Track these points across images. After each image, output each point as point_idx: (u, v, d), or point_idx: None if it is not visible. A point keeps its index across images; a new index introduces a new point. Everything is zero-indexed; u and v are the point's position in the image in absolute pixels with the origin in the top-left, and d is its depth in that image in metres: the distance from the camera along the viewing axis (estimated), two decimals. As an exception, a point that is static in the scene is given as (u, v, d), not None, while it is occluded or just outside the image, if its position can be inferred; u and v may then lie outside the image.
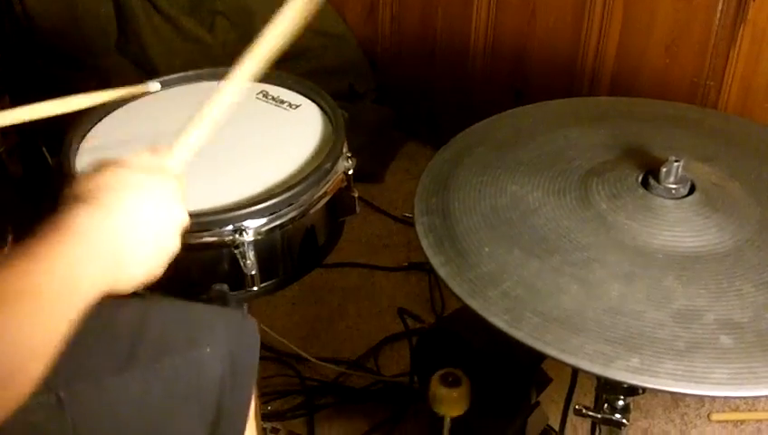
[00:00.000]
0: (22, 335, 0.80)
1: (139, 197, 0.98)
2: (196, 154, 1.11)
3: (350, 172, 1.51)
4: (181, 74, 1.69)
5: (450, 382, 1.68)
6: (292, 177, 1.42)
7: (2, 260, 0.83)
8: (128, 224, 0.95)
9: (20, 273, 0.82)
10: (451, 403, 1.69)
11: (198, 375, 1.23)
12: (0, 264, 0.82)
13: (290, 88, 1.67)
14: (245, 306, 1.56)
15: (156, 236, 1.00)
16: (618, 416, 1.37)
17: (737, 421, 2.14)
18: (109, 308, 1.24)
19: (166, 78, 1.67)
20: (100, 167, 1.00)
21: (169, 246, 1.03)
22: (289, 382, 2.23)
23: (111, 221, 0.93)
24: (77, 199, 0.94)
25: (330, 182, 1.45)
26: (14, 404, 0.80)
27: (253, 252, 1.35)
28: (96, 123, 1.56)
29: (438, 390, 1.68)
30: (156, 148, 1.08)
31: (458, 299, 1.14)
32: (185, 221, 1.04)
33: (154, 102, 1.64)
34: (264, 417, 2.07)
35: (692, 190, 1.29)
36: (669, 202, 1.27)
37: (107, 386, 1.16)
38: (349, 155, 1.50)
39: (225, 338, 1.25)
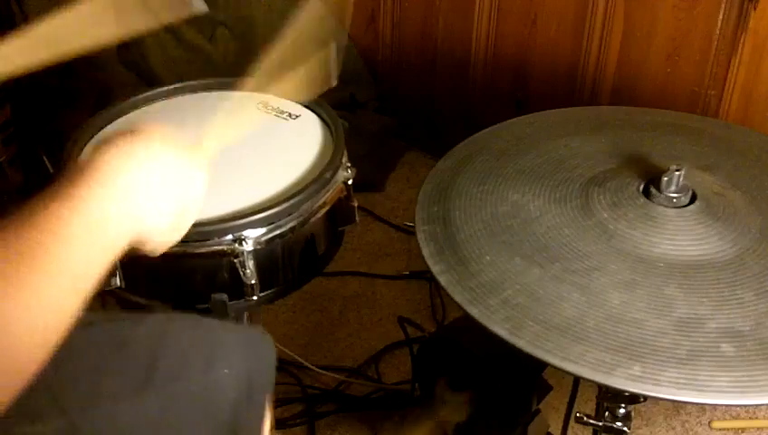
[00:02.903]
0: (49, 288, 0.79)
1: (169, 151, 0.99)
2: None
3: (350, 182, 1.51)
4: (183, 84, 1.69)
5: (456, 387, 1.68)
6: (292, 187, 1.42)
7: (25, 208, 0.82)
8: (155, 174, 0.96)
9: (48, 217, 0.82)
10: (456, 408, 1.69)
11: (215, 397, 1.21)
12: (24, 210, 0.81)
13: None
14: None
15: (182, 192, 1.01)
16: (619, 424, 1.37)
17: (738, 429, 2.14)
18: (125, 326, 1.24)
19: (167, 88, 1.67)
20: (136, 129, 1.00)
21: (192, 209, 1.04)
22: (290, 390, 2.23)
23: (139, 167, 0.94)
24: (108, 143, 0.95)
25: (329, 192, 1.45)
26: (17, 377, 0.77)
27: (252, 261, 1.35)
28: (98, 132, 1.57)
29: (445, 393, 1.68)
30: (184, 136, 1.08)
31: (459, 307, 1.14)
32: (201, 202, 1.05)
33: (156, 112, 1.64)
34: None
35: (693, 199, 1.29)
36: (671, 211, 1.27)
37: (122, 410, 1.14)
38: (348, 165, 1.51)
39: (242, 359, 1.24)
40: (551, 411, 1.93)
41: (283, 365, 2.27)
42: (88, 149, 1.47)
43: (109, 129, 1.58)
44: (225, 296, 1.37)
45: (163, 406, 1.17)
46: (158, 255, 1.02)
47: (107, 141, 0.96)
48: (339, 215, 1.51)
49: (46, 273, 0.79)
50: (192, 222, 1.05)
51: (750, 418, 2.16)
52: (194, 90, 1.70)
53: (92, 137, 1.55)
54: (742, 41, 2.27)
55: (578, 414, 1.40)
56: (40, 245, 0.79)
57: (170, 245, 1.03)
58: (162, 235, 1.00)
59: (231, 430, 1.24)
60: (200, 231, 1.32)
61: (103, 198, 0.88)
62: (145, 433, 1.16)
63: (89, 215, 0.85)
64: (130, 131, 0.98)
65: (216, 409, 1.22)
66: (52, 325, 0.79)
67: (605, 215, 1.27)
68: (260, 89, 1.24)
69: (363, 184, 1.54)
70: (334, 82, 1.29)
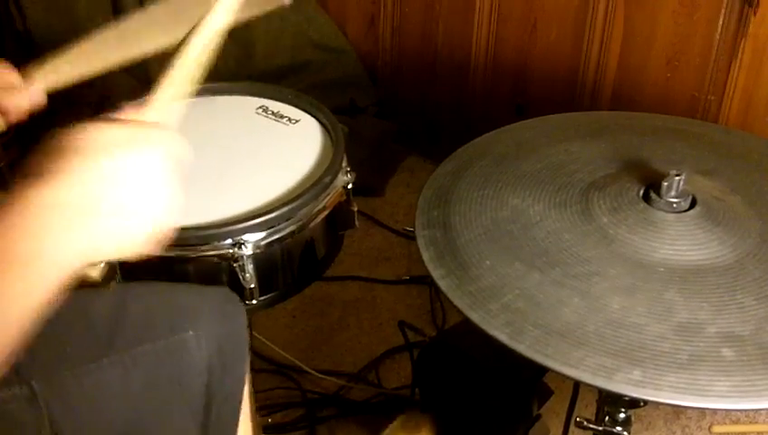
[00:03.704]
0: None
1: (93, 157, 0.84)
2: (197, 167, 1.06)
3: (350, 187, 1.51)
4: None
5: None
6: (292, 191, 1.43)
7: None
8: (77, 189, 0.81)
9: None
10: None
11: (182, 361, 1.20)
12: None
13: (290, 103, 1.67)
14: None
15: (123, 196, 0.84)
16: (619, 428, 1.37)
17: (738, 434, 2.14)
18: (85, 296, 1.17)
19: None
20: (56, 133, 0.87)
21: (149, 205, 0.86)
22: (290, 395, 2.23)
23: (57, 191, 0.80)
24: (28, 176, 0.82)
25: (329, 196, 1.45)
26: None
27: (252, 265, 1.35)
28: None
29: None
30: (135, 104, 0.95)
31: (459, 312, 1.14)
32: (167, 177, 0.88)
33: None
34: (264, 429, 2.06)
35: (693, 204, 1.29)
36: (671, 216, 1.27)
37: (84, 374, 1.14)
38: (348, 169, 1.51)
39: (208, 320, 1.23)
40: (551, 416, 1.92)
41: (283, 370, 2.27)
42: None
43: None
44: (224, 300, 1.37)
45: (127, 369, 1.16)
46: (155, 247, 0.92)
47: (25, 172, 0.83)
48: (338, 219, 1.51)
49: None
50: (173, 207, 0.88)
51: (750, 422, 2.16)
52: (193, 94, 1.70)
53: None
54: (742, 46, 2.27)
55: (578, 419, 1.40)
56: None
57: (160, 235, 0.87)
58: (135, 237, 0.86)
59: (206, 396, 1.22)
60: (200, 235, 1.32)
61: (19, 235, 0.77)
62: (110, 397, 1.16)
63: (8, 254, 0.76)
64: (53, 143, 0.85)
65: (185, 373, 1.21)
66: None
67: (605, 220, 1.27)
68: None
69: (363, 189, 1.55)
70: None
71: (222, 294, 1.33)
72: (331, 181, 1.45)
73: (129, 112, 0.91)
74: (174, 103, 1.00)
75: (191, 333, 1.21)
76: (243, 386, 1.32)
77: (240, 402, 1.31)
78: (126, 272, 1.35)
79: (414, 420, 1.69)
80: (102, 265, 0.98)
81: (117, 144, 0.85)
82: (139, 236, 0.86)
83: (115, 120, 0.89)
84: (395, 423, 1.70)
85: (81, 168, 0.82)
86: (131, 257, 0.87)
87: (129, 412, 1.17)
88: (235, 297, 1.32)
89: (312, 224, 1.43)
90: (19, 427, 1.09)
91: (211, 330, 1.23)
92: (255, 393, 1.70)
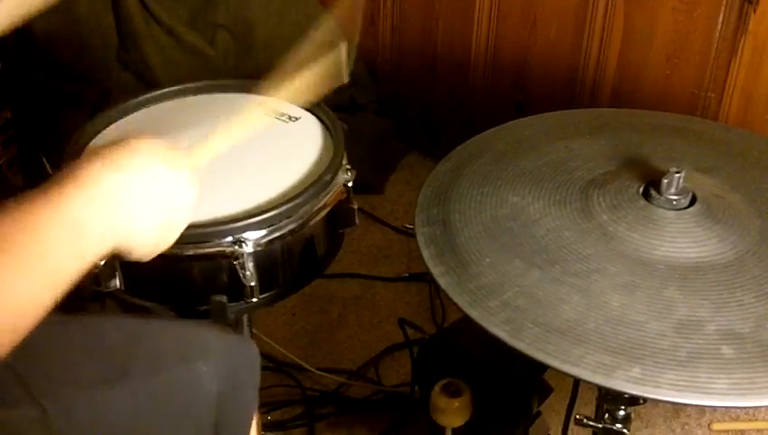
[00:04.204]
0: (20, 279, 0.81)
1: (156, 164, 1.00)
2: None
3: (350, 184, 1.51)
4: (183, 86, 1.69)
5: (452, 392, 1.68)
6: (292, 189, 1.42)
7: (9, 203, 0.84)
8: (140, 185, 0.97)
9: (26, 214, 0.84)
10: (453, 414, 1.68)
11: (192, 393, 1.22)
12: (7, 206, 0.83)
13: (290, 100, 1.67)
14: (246, 325, 1.56)
15: (167, 205, 1.02)
16: (619, 426, 1.37)
17: (738, 431, 2.14)
18: (101, 323, 1.25)
19: (167, 90, 1.67)
20: (130, 138, 1.01)
21: (179, 221, 1.05)
22: (289, 392, 2.23)
23: (123, 178, 0.95)
24: (95, 154, 0.96)
25: (329, 194, 1.45)
26: None
27: (252, 263, 1.35)
28: (97, 133, 1.56)
29: (440, 400, 1.67)
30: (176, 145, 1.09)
31: (459, 309, 1.14)
32: (191, 210, 1.07)
33: (156, 114, 1.64)
34: (264, 427, 2.06)
35: (693, 202, 1.29)
36: (670, 213, 1.27)
37: (96, 399, 1.15)
38: (348, 167, 1.51)
39: (221, 356, 1.24)
40: (551, 413, 1.93)
41: (283, 367, 2.27)
42: (87, 152, 1.48)
43: (106, 132, 1.58)
44: (224, 298, 1.37)
45: (139, 399, 1.17)
46: (147, 260, 1.03)
47: (95, 152, 0.97)
48: (339, 217, 1.51)
49: (17, 266, 0.81)
50: (178, 235, 1.06)
51: (750, 420, 2.17)
52: (194, 92, 1.70)
53: (92, 139, 1.55)
54: (742, 43, 2.27)
55: (578, 416, 1.41)
56: (14, 240, 0.82)
57: (156, 253, 1.04)
58: (146, 246, 1.01)
59: (215, 425, 1.23)
60: (200, 233, 1.32)
61: (82, 203, 0.89)
62: (120, 423, 1.16)
63: (66, 217, 0.87)
64: (119, 142, 0.99)
65: (195, 406, 1.22)
66: (22, 314, 0.82)
67: (605, 217, 1.27)
68: (275, 93, 1.25)
69: (363, 186, 1.54)
70: (346, 80, 1.29)
71: (238, 335, 1.40)
72: (332, 179, 1.45)
73: (180, 150, 1.07)
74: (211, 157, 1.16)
75: (203, 366, 1.22)
76: (251, 420, 1.33)
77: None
78: (126, 271, 1.35)
79: (455, 384, 1.69)
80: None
81: (171, 165, 1.02)
82: (155, 239, 1.02)
83: (164, 156, 1.03)
84: (435, 389, 1.70)
85: (140, 169, 0.98)
86: (142, 258, 1.02)
87: None
88: (251, 342, 1.34)
89: (313, 222, 1.43)
90: None
91: (223, 365, 1.24)
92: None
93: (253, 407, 1.33)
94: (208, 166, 1.14)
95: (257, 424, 1.43)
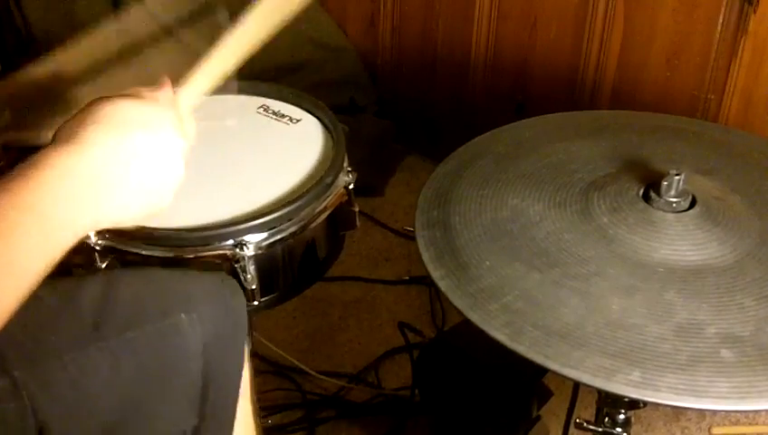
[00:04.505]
0: None
1: (129, 128, 0.92)
2: (197, 168, 1.09)
3: (351, 187, 1.50)
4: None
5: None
6: (293, 191, 1.42)
7: None
8: (109, 161, 0.90)
9: None
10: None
11: (175, 345, 1.18)
12: None
13: (290, 102, 1.67)
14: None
15: (146, 174, 0.94)
16: (618, 429, 1.37)
17: (738, 435, 2.14)
18: (71, 283, 1.18)
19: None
20: (91, 102, 0.94)
21: (170, 180, 0.97)
22: (289, 396, 2.23)
23: (90, 160, 0.89)
24: (59, 139, 0.90)
25: (330, 197, 1.45)
26: None
27: (253, 266, 1.35)
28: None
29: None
30: (159, 86, 1.02)
31: (459, 312, 1.14)
32: (182, 160, 0.98)
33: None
34: (264, 431, 2.06)
35: (693, 204, 1.29)
36: (670, 216, 1.27)
37: (69, 363, 1.10)
38: (349, 169, 1.50)
39: (202, 303, 1.21)
40: (551, 417, 1.92)
41: (283, 371, 2.27)
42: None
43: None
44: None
45: (116, 356, 1.13)
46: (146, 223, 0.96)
47: (63, 128, 0.91)
48: (340, 220, 1.51)
49: None
50: (172, 194, 0.98)
51: (749, 424, 2.16)
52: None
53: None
54: (742, 44, 2.27)
55: (578, 420, 1.40)
56: None
57: (154, 216, 0.97)
58: (135, 217, 0.94)
59: (202, 381, 1.20)
60: (201, 236, 1.32)
61: (44, 191, 0.84)
62: (98, 385, 1.13)
63: (26, 205, 0.82)
64: (84, 110, 0.93)
65: (180, 356, 1.18)
66: None
67: (605, 219, 1.27)
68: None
69: (363, 188, 1.54)
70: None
71: (217, 276, 1.30)
72: (333, 181, 1.45)
73: (160, 92, 1.00)
74: (202, 93, 1.07)
75: (183, 316, 1.18)
76: (242, 369, 1.29)
77: (239, 387, 1.29)
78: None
79: None
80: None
81: (144, 123, 0.93)
82: (144, 209, 0.94)
83: (145, 97, 0.96)
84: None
85: (106, 140, 0.90)
86: (130, 226, 0.96)
87: (121, 400, 1.15)
88: (232, 280, 1.31)
89: (314, 224, 1.43)
90: (1, 419, 1.06)
91: (206, 312, 1.20)
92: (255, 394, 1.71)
93: (243, 352, 1.29)
94: (209, 168, 1.14)
95: (250, 374, 1.40)
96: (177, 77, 1.07)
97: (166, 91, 1.03)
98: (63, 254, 0.85)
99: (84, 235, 0.89)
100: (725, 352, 1.05)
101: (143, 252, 1.32)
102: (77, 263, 1.30)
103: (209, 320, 1.20)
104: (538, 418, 1.81)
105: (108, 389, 1.14)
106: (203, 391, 1.22)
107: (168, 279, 1.26)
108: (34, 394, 1.07)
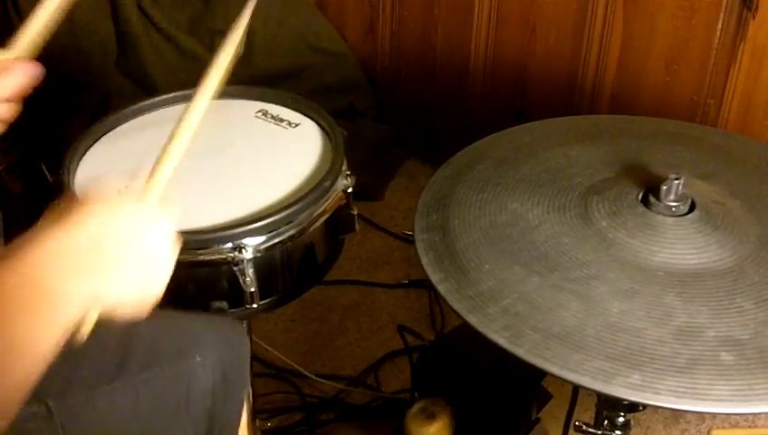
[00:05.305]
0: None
1: (121, 224, 0.90)
2: (196, 172, 1.09)
3: (350, 190, 1.51)
4: (181, 93, 1.68)
5: (428, 416, 1.69)
6: (292, 195, 1.42)
7: None
8: (109, 250, 0.88)
9: None
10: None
11: (189, 385, 1.23)
12: None
13: (289, 106, 1.67)
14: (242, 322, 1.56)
15: (142, 265, 0.92)
16: (618, 432, 1.37)
17: (738, 439, 2.14)
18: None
19: (166, 97, 1.67)
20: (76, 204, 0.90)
21: (159, 268, 0.95)
22: (289, 399, 2.23)
23: (87, 244, 0.86)
24: (52, 216, 0.87)
25: (329, 200, 1.45)
26: None
27: (252, 269, 1.35)
28: (96, 140, 1.57)
29: (413, 424, 1.69)
30: (124, 188, 0.97)
31: (458, 316, 1.14)
32: (173, 242, 0.96)
33: (154, 120, 1.64)
34: (264, 433, 2.06)
35: (692, 208, 1.29)
36: (669, 220, 1.27)
37: (97, 396, 1.16)
38: (348, 173, 1.51)
39: (214, 347, 1.26)
40: (550, 420, 1.92)
41: (283, 374, 2.27)
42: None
43: (105, 139, 1.57)
44: (224, 304, 1.37)
45: (137, 392, 1.19)
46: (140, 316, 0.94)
47: (49, 220, 0.87)
48: (338, 223, 1.51)
49: None
50: (164, 281, 0.96)
51: (749, 426, 2.16)
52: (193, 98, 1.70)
53: (91, 146, 1.55)
54: (741, 49, 2.27)
55: (577, 423, 1.40)
56: None
57: (147, 307, 0.94)
58: (128, 304, 0.92)
59: (208, 421, 1.25)
60: (200, 239, 1.32)
61: (50, 276, 0.82)
62: (120, 418, 1.18)
63: (34, 291, 0.80)
64: (72, 207, 0.89)
65: (190, 398, 1.24)
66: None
67: (604, 223, 1.27)
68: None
69: (362, 193, 1.55)
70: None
71: (228, 322, 1.37)
72: (331, 185, 1.45)
73: (129, 196, 0.95)
74: (166, 182, 1.01)
75: (198, 359, 1.24)
76: (241, 412, 1.34)
77: (239, 425, 1.34)
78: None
79: (432, 407, 1.69)
80: None
81: (124, 236, 0.90)
82: (136, 301, 0.93)
83: (119, 205, 0.92)
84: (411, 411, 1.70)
85: (91, 258, 0.86)
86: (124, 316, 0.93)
87: (137, 434, 1.21)
88: (240, 326, 1.34)
89: (313, 228, 1.43)
90: None
91: (217, 356, 1.26)
92: (254, 398, 1.71)
93: (243, 392, 1.36)
94: (209, 172, 1.14)
95: (248, 408, 1.44)
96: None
97: (130, 195, 0.97)
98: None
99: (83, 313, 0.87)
100: (725, 356, 1.05)
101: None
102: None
103: (219, 364, 1.26)
104: (537, 421, 1.81)
105: (128, 424, 1.19)
106: (208, 431, 1.27)
107: (183, 321, 1.30)
108: (66, 424, 1.12)
